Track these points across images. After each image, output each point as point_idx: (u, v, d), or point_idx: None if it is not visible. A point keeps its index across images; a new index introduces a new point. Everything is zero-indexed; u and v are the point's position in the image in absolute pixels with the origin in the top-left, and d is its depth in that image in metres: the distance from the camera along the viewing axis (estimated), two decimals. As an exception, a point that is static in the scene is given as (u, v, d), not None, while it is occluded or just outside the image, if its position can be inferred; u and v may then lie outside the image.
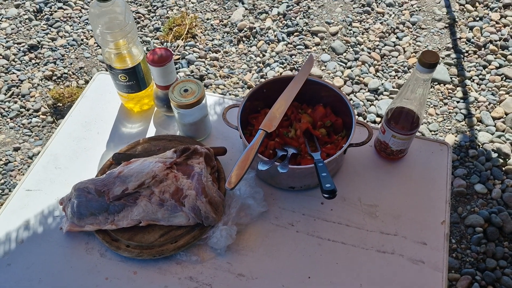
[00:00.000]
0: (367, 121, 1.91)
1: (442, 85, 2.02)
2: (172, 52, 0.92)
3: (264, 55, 2.22)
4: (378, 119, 1.92)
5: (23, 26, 2.40)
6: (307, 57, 1.03)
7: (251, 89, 1.00)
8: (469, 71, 2.07)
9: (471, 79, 2.04)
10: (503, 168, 1.74)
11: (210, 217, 0.84)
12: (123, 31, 0.93)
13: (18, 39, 2.34)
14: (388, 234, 0.88)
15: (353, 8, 2.39)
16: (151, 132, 1.06)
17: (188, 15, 2.39)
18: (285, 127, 0.99)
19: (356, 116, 0.96)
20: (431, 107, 1.96)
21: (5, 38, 2.34)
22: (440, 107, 1.95)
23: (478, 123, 1.90)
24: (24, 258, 0.87)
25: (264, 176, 0.95)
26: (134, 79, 1.00)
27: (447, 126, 1.89)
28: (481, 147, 1.81)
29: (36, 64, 2.26)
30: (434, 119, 1.92)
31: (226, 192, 0.91)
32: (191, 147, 0.90)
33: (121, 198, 0.86)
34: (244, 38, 2.30)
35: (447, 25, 2.28)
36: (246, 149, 0.85)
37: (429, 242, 0.87)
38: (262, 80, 2.12)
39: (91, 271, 0.85)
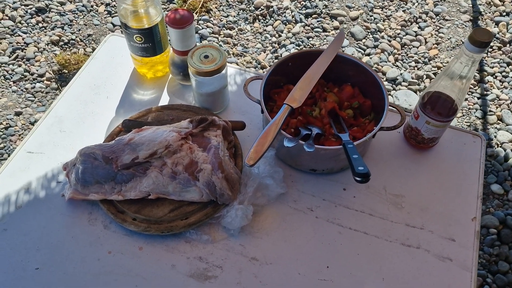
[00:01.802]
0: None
1: (463, 79, 1.94)
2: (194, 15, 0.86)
3: (280, 36, 2.14)
4: (394, 110, 1.85)
5: (32, -13, 2.31)
6: (338, 32, 0.96)
7: (275, 61, 0.93)
8: (492, 67, 1.99)
9: (494, 76, 1.97)
10: (522, 170, 1.68)
11: (225, 195, 0.77)
12: (143, -13, 0.85)
13: (25, 0, 2.25)
14: (414, 227, 0.82)
15: (376, -7, 2.30)
16: (164, 100, 0.99)
17: (204, -12, 2.30)
18: (309, 106, 0.92)
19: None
20: (451, 101, 1.88)
21: (12, -1, 2.25)
22: (460, 102, 1.88)
23: (498, 121, 1.83)
24: (22, 223, 0.81)
25: (284, 155, 0.88)
26: (150, 41, 0.93)
27: (466, 122, 1.82)
28: (500, 146, 1.74)
29: (43, 28, 2.18)
30: (453, 114, 1.84)
31: (243, 169, 0.84)
32: (209, 118, 0.83)
33: (130, 167, 0.79)
34: (260, 17, 2.22)
35: (472, 18, 2.19)
36: (268, 124, 0.79)
37: (457, 239, 0.80)
38: (277, 61, 2.04)
39: (93, 243, 0.79)
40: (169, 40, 0.94)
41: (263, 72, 2.00)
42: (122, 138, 0.81)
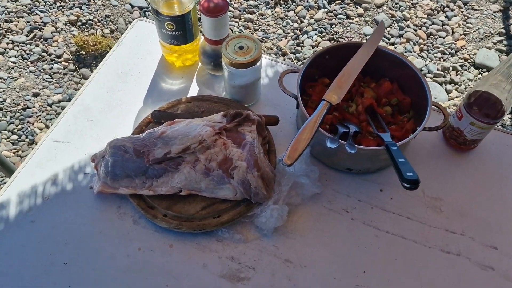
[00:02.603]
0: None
1: (491, 72, 1.88)
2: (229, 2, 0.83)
3: (302, 22, 2.08)
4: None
5: (50, -36, 2.26)
6: (378, 24, 0.91)
7: (312, 54, 0.89)
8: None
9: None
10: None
11: (260, 194, 0.74)
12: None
13: (43, -22, 2.20)
14: (453, 232, 0.79)
15: (402, -20, 2.22)
16: (193, 91, 0.95)
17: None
18: (345, 101, 0.88)
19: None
20: (477, 95, 1.83)
21: (29, -24, 2.20)
22: (487, 96, 1.82)
23: (527, 117, 1.77)
24: (49, 215, 0.78)
25: (319, 153, 0.85)
26: (181, 29, 0.89)
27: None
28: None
29: (61, 8, 2.14)
30: (480, 109, 1.79)
31: (276, 167, 0.81)
32: (244, 113, 0.79)
33: (162, 162, 0.76)
34: (281, 1, 2.16)
35: (502, 8, 2.11)
36: (307, 121, 0.75)
37: (500, 247, 0.77)
38: (298, 48, 1.99)
39: (122, 238, 0.76)
40: (201, 29, 0.90)
41: (284, 59, 1.96)
42: (153, 131, 0.78)
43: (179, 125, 0.78)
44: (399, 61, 0.87)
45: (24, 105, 1.83)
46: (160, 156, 0.75)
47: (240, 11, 2.12)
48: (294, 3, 2.14)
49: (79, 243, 0.76)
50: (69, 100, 1.86)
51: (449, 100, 1.82)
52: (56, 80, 1.92)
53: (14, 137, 1.75)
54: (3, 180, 1.66)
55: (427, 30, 2.04)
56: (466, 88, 1.84)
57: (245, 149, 0.76)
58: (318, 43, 2.00)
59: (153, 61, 0.99)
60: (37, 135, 1.76)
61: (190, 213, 0.76)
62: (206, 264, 0.74)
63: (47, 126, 1.78)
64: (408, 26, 2.05)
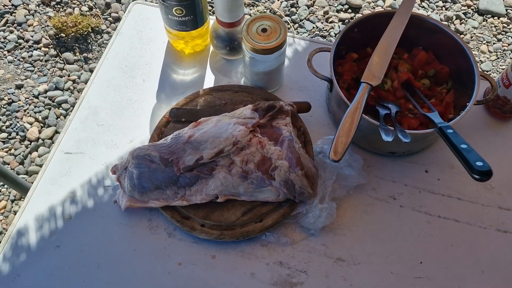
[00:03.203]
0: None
1: (496, 18, 1.81)
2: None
3: (293, -20, 1.95)
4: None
5: None
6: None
7: (341, 30, 0.80)
8: (526, 2, 1.85)
9: (528, 12, 1.83)
10: None
11: (305, 193, 0.68)
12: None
13: (6, -45, 2.00)
14: (507, 209, 0.75)
15: None
16: (209, 80, 0.87)
17: None
18: (377, 77, 0.80)
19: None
20: (484, 43, 1.76)
21: (-9, -46, 2.00)
22: (494, 43, 1.76)
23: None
24: (75, 238, 0.72)
25: (357, 138, 0.77)
26: (191, 14, 0.79)
27: (501, 65, 1.71)
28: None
29: (31, -14, 1.95)
30: (487, 57, 1.73)
31: (314, 158, 0.75)
32: (276, 105, 0.72)
33: (194, 169, 0.69)
34: (269, -41, 2.01)
35: None
36: (348, 109, 0.68)
37: (557, 220, 0.74)
38: (293, 9, 1.87)
39: (159, 254, 0.70)
40: (212, 10, 0.80)
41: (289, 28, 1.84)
42: (179, 135, 0.70)
43: (206, 125, 0.70)
44: (434, 27, 0.79)
45: (9, 99, 1.71)
46: (191, 163, 0.68)
47: (226, -27, 1.97)
48: (282, -40, 2.00)
49: (112, 265, 0.70)
50: (56, 89, 1.74)
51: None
52: (38, 68, 1.79)
53: (4, 134, 1.64)
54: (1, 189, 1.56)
55: (425, -22, 1.93)
56: (471, 38, 1.77)
57: (284, 146, 0.69)
58: (314, 1, 1.89)
59: (159, 50, 0.89)
60: (27, 130, 1.65)
61: (231, 220, 0.70)
62: (254, 272, 0.69)
63: (37, 120, 1.67)
64: (405, -25, 1.94)
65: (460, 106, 0.77)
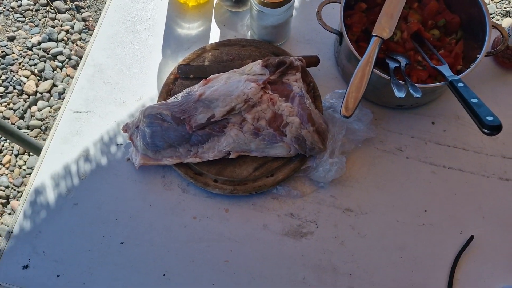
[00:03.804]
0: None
1: (502, -43, 1.75)
2: None
3: None
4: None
5: None
6: None
7: (350, -22, 0.78)
8: None
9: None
10: None
11: (316, 148, 0.70)
12: None
13: None
14: (511, 158, 0.77)
15: None
16: (215, 34, 0.85)
17: None
18: (386, 28, 0.79)
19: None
20: (488, -16, 1.71)
21: None
22: (498, -16, 1.71)
23: (539, 4, 1.69)
24: (92, 196, 0.74)
25: (366, 91, 0.78)
26: (195, -36, 0.76)
27: (505, 8, 1.68)
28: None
29: None
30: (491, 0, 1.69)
31: (323, 113, 0.76)
32: (286, 60, 0.71)
33: (206, 127, 0.70)
34: None
35: None
36: (359, 63, 0.68)
37: (558, 167, 0.76)
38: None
39: (174, 209, 0.73)
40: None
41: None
42: (189, 93, 0.70)
43: (217, 83, 0.70)
44: (444, -26, 0.77)
45: (2, 51, 1.67)
46: (203, 121, 0.69)
47: None
48: None
49: (130, 221, 0.72)
50: (50, 40, 1.70)
51: None
52: (29, 19, 1.73)
53: (1, 89, 1.62)
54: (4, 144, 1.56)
55: None
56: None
57: (295, 102, 0.69)
58: None
59: (162, 2, 0.87)
60: (24, 84, 1.63)
61: (243, 175, 0.72)
62: (266, 224, 0.72)
63: (33, 73, 1.64)
64: None
65: (468, 57, 0.77)
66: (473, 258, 0.71)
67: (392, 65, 0.73)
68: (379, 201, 0.74)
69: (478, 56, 0.70)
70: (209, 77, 0.72)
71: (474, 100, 0.62)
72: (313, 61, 0.78)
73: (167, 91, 0.77)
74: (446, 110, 0.80)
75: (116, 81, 0.81)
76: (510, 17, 1.66)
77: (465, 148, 0.77)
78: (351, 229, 0.72)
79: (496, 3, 1.68)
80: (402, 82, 0.68)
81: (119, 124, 0.77)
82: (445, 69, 0.70)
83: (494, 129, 0.58)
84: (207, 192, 0.73)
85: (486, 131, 0.58)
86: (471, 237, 0.71)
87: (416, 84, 0.68)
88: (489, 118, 0.59)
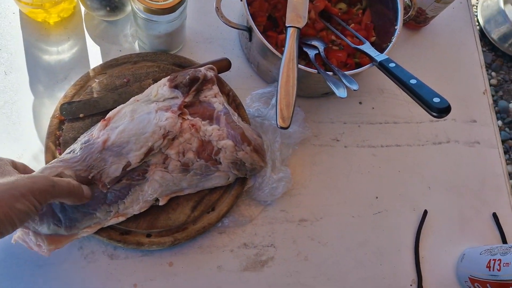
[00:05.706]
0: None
1: None
2: None
3: None
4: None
5: None
6: None
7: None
8: None
9: None
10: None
11: (257, 168, 0.61)
12: None
13: None
14: (437, 121, 0.76)
15: None
16: (95, 53, 0.68)
17: None
18: (289, 10, 0.71)
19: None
20: None
21: None
22: None
23: None
24: (-9, 303, 0.56)
25: (287, 86, 0.70)
26: (47, -27, 0.58)
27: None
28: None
29: None
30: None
31: (250, 122, 0.66)
32: (199, 75, 0.59)
33: (122, 179, 0.56)
34: None
35: None
36: (282, 62, 0.59)
37: (478, 119, 0.78)
38: None
39: (107, 283, 0.59)
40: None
41: None
42: (89, 142, 0.55)
43: (121, 121, 0.56)
44: None
45: None
46: (118, 173, 0.55)
47: None
48: None
49: (54, 315, 0.57)
50: None
51: None
52: None
53: None
54: None
55: None
56: None
57: (221, 122, 0.58)
58: None
59: (12, 26, 0.67)
60: None
61: (180, 220, 0.60)
62: (220, 265, 0.63)
63: None
64: None
65: (379, 27, 0.73)
66: (430, 232, 0.70)
67: (312, 53, 0.66)
68: (330, 202, 0.68)
69: (395, 27, 0.66)
70: (108, 115, 0.57)
71: (413, 81, 0.57)
72: (224, 65, 0.67)
73: (54, 141, 0.60)
74: (369, 86, 0.76)
75: (-21, 143, 0.61)
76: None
77: (395, 121, 0.75)
78: (310, 240, 0.66)
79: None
80: (334, 76, 0.61)
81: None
82: (368, 49, 0.65)
83: (443, 111, 0.54)
84: (141, 250, 0.61)
85: (435, 114, 0.54)
86: (425, 212, 0.70)
87: (346, 73, 0.62)
88: (436, 99, 0.54)
